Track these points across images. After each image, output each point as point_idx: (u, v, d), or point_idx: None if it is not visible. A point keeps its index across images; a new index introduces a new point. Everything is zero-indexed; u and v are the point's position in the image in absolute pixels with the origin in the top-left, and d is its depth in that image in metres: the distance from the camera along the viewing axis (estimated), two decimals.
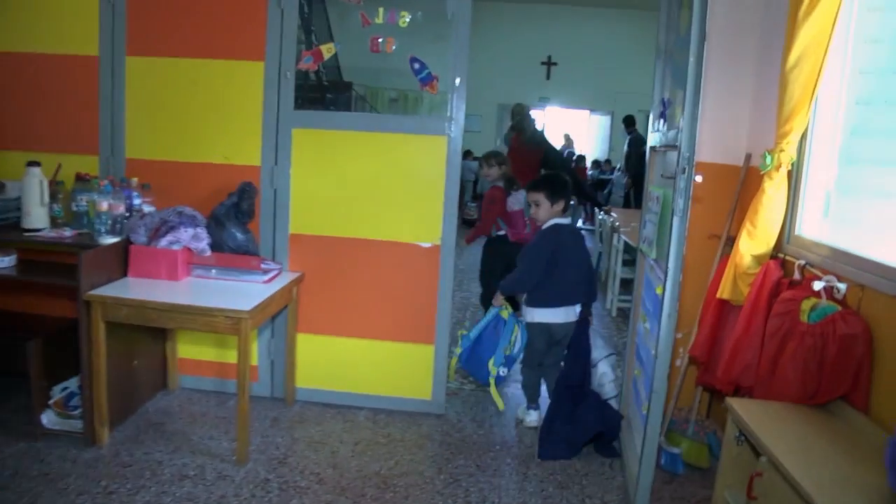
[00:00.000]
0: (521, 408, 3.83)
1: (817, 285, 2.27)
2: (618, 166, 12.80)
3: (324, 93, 12.80)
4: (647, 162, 3.40)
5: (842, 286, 2.24)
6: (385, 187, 3.57)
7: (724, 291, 2.94)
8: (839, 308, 2.25)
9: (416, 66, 3.42)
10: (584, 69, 14.47)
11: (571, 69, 14.54)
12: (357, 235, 3.63)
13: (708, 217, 3.32)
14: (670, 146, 2.77)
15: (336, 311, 3.72)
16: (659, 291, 2.81)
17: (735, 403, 2.30)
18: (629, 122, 11.62)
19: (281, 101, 3.56)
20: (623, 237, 6.24)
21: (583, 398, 3.41)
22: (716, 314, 3.02)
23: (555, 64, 14.62)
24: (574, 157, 13.08)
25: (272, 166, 3.61)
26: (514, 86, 14.48)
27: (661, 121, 3.21)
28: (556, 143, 16.96)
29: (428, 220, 3.54)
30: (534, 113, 15.18)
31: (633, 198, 11.44)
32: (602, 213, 8.21)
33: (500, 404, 3.75)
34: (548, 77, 14.71)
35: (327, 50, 3.50)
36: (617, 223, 6.88)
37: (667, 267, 2.47)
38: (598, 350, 3.67)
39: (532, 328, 3.59)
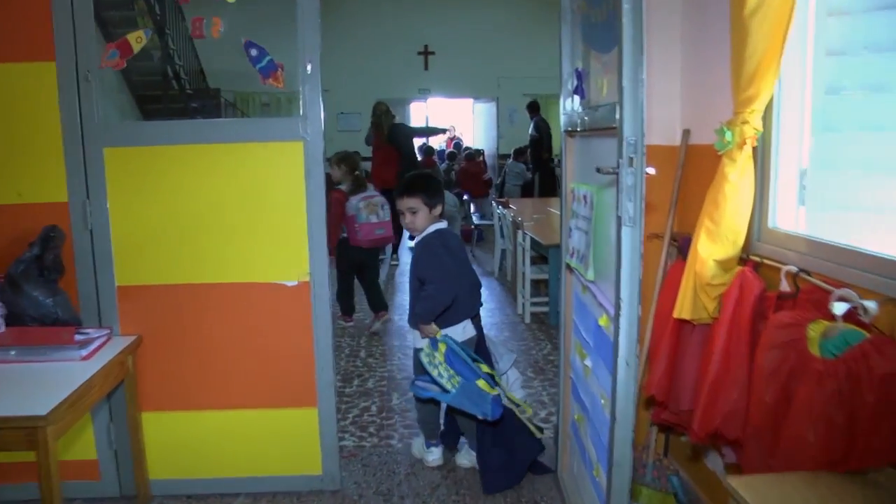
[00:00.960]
0: (418, 443, 3.32)
1: (838, 308, 1.61)
2: (511, 154, 12.26)
3: (187, 102, 11.66)
4: (563, 148, 2.70)
5: (870, 304, 1.58)
6: (231, 214, 2.74)
7: (682, 309, 2.26)
8: (867, 334, 1.60)
9: (254, 52, 2.61)
10: (464, 57, 13.85)
11: (450, 57, 13.89)
12: (203, 280, 2.79)
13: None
14: (599, 129, 2.08)
15: (187, 379, 2.88)
16: (604, 324, 2.11)
17: (739, 486, 1.61)
18: (533, 108, 11.07)
19: (84, 113, 2.67)
20: (528, 233, 5.59)
21: (504, 416, 2.90)
22: (673, 339, 2.35)
23: (432, 53, 13.94)
24: (465, 151, 12.48)
25: (83, 200, 2.72)
26: (394, 79, 13.75)
27: (576, 97, 2.52)
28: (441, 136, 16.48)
29: (290, 250, 2.74)
30: (415, 106, 14.73)
31: (538, 186, 10.94)
32: (499, 206, 7.56)
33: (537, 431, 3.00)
34: (426, 67, 14.01)
35: (136, 39, 2.63)
36: (519, 218, 6.23)
37: (618, 298, 1.77)
38: (504, 357, 3.24)
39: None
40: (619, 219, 1.80)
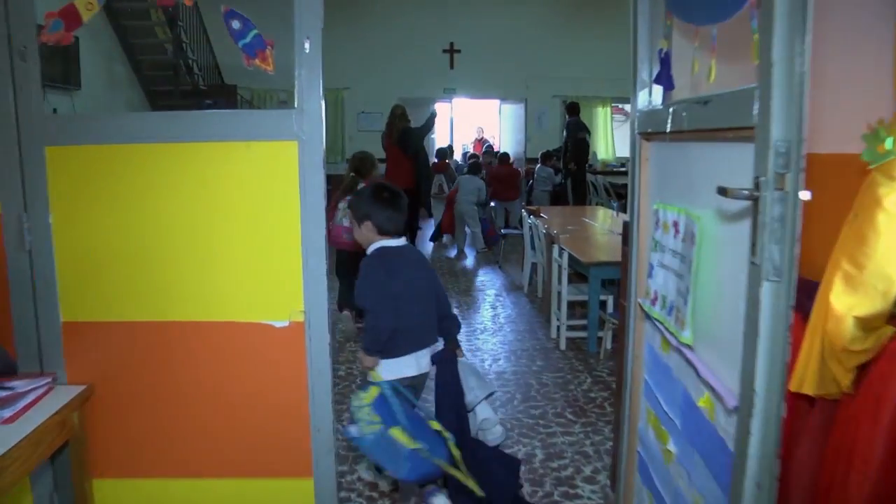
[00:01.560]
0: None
1: None
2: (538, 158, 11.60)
3: (201, 98, 11.14)
4: (635, 154, 2.07)
5: None
6: (206, 234, 2.14)
7: (802, 381, 1.61)
8: None
9: (236, 24, 2.01)
10: (491, 55, 13.23)
11: (477, 56, 13.27)
12: (169, 317, 2.19)
13: None
14: (708, 129, 1.45)
15: (149, 439, 2.28)
16: (705, 406, 1.48)
17: None
18: (573, 109, 10.41)
19: (20, 102, 2.08)
20: (566, 249, 4.95)
21: (471, 454, 2.63)
22: (788, 417, 1.69)
23: (458, 51, 13.31)
24: (496, 154, 11.85)
25: (18, 213, 2.14)
26: (417, 78, 13.18)
27: (656, 89, 1.90)
28: (468, 138, 15.90)
29: (280, 280, 2.13)
30: (439, 106, 14.12)
31: (572, 192, 10.27)
32: (529, 215, 6.93)
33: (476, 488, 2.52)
34: (451, 66, 13.40)
35: (86, 6, 2.02)
36: (553, 230, 5.58)
37: (748, 389, 1.15)
38: (473, 392, 2.96)
39: None
40: (753, 267, 1.17)
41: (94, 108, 8.93)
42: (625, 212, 7.75)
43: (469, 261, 8.79)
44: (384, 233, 2.70)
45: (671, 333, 1.64)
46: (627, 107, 12.44)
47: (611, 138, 13.85)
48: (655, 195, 1.92)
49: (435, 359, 2.77)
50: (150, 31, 10.34)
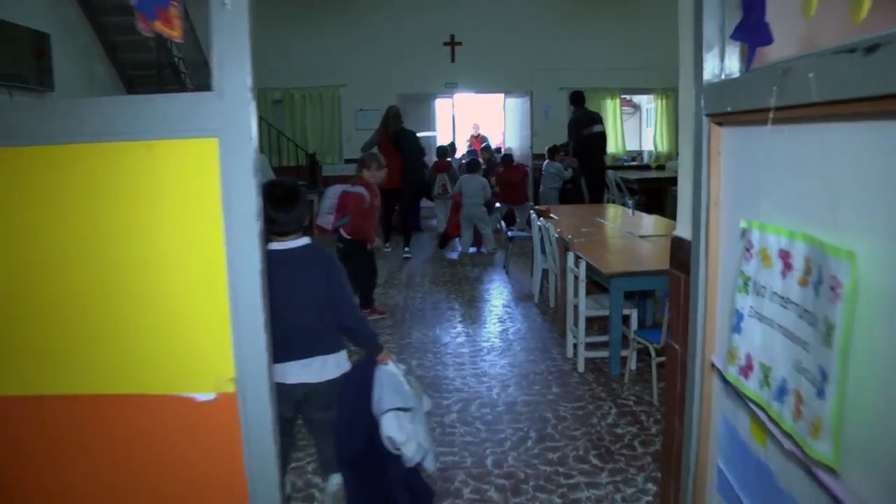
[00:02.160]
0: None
1: None
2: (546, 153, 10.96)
3: (182, 83, 10.50)
4: (702, 147, 1.45)
5: None
6: (101, 270, 1.52)
7: None
8: None
9: None
10: (494, 47, 12.57)
11: (479, 49, 12.60)
12: (46, 390, 1.58)
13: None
14: (849, 101, 0.83)
15: None
16: None
17: None
18: (577, 98, 9.68)
19: None
20: (583, 258, 4.33)
21: (378, 473, 2.59)
22: None
23: (459, 44, 12.66)
24: (497, 153, 11.29)
25: None
26: (417, 73, 12.53)
27: (730, 52, 1.28)
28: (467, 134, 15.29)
29: (199, 339, 1.51)
30: (440, 102, 13.50)
31: (588, 189, 9.59)
32: (539, 216, 6.31)
33: None
34: (452, 59, 12.74)
35: None
36: (567, 235, 4.96)
37: None
38: (380, 401, 2.58)
39: None
40: None
41: None
42: (643, 209, 7.12)
43: (474, 268, 8.17)
44: (272, 233, 2.56)
45: (787, 435, 1.02)
46: (636, 98, 11.70)
47: (620, 131, 13.20)
48: (740, 206, 1.29)
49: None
50: (132, 27, 9.74)
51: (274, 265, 2.40)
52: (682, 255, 1.75)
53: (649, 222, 6.29)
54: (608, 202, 10.44)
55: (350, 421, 2.60)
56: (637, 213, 6.87)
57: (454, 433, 3.60)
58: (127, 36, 9.63)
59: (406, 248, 8.83)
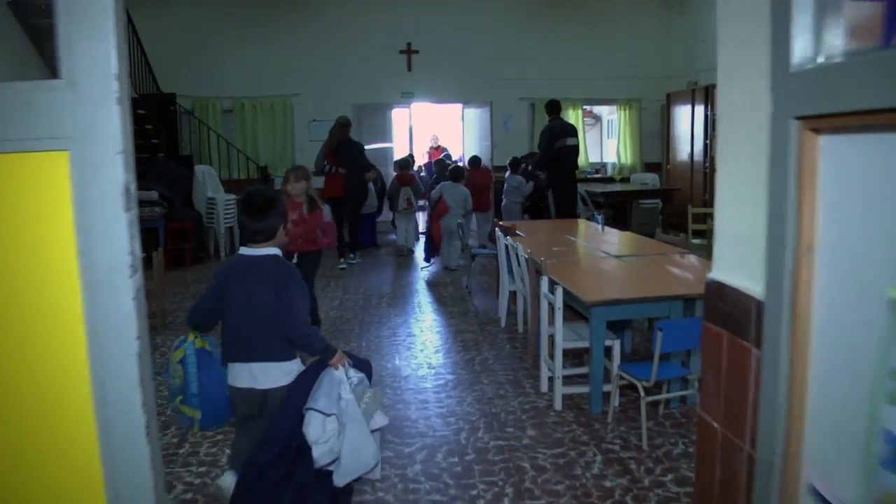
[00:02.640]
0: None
1: None
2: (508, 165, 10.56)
3: (138, 119, 9.87)
4: (789, 167, 1.00)
5: None
6: None
7: None
8: None
9: None
10: (452, 56, 12.15)
11: (437, 57, 12.17)
12: None
13: None
14: None
15: None
16: None
17: None
18: (553, 108, 9.20)
19: None
20: (559, 284, 3.89)
21: (288, 468, 2.67)
22: None
23: (416, 52, 12.21)
24: (451, 163, 10.83)
25: None
26: (373, 82, 12.04)
27: (826, 25, 0.84)
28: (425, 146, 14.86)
29: (54, 442, 1.01)
30: (397, 112, 13.03)
31: (555, 204, 9.19)
32: (505, 234, 5.88)
33: None
34: (409, 68, 12.29)
35: None
36: (539, 257, 4.52)
37: None
38: (312, 400, 2.73)
39: None
40: None
41: None
42: (613, 223, 6.70)
43: (434, 288, 7.70)
44: (244, 239, 2.84)
45: None
46: (597, 109, 11.28)
47: (583, 142, 12.88)
48: (862, 258, 0.85)
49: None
50: None
51: (237, 268, 2.79)
52: (722, 306, 1.32)
53: (621, 240, 5.91)
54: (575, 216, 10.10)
55: (291, 414, 2.71)
56: (607, 228, 6.50)
57: (419, 489, 3.12)
58: None
59: (351, 255, 8.80)
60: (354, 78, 11.87)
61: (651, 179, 12.14)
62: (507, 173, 9.94)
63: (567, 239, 6.03)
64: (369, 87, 11.98)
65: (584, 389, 3.99)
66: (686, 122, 11.25)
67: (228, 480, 2.89)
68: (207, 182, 9.72)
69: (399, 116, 13.04)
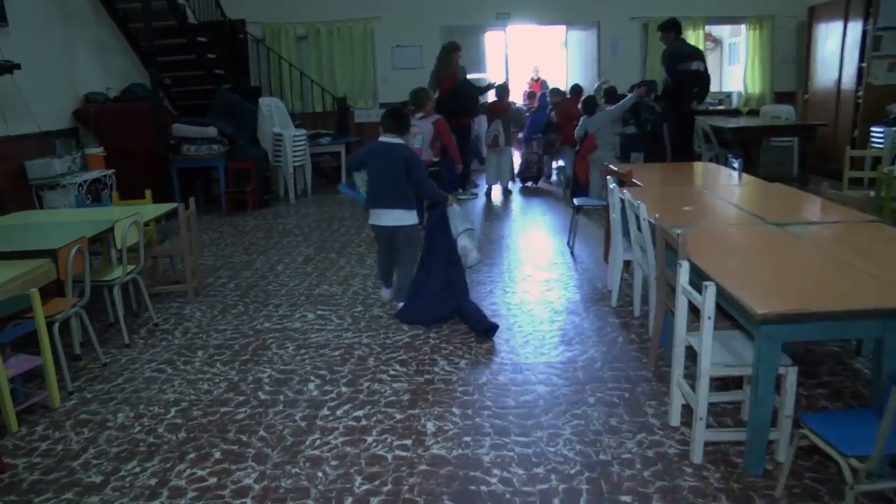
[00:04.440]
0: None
1: None
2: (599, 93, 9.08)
3: (192, 37, 8.83)
4: None
5: None
6: None
7: None
8: None
9: None
10: None
11: None
12: None
13: None
14: None
15: None
16: None
17: None
18: (671, 26, 7.60)
19: None
20: (713, 280, 2.58)
21: (450, 283, 4.34)
22: None
23: None
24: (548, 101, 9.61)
25: None
26: (463, 1, 10.64)
27: None
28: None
29: None
30: (490, 35, 11.57)
31: (670, 140, 7.73)
32: (620, 184, 4.55)
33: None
34: None
35: None
36: (672, 228, 3.18)
37: None
38: (455, 228, 4.44)
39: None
40: None
41: (34, 51, 6.80)
42: (747, 170, 5.08)
43: (530, 244, 6.44)
44: (383, 131, 4.42)
45: None
46: (716, 31, 9.30)
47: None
48: None
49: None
50: None
51: (379, 148, 4.38)
52: None
53: (771, 195, 4.46)
54: (696, 156, 8.55)
55: (441, 241, 4.38)
56: (745, 177, 5.04)
57: None
58: None
59: (461, 190, 8.75)
60: None
61: (786, 112, 10.28)
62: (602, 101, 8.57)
63: (698, 192, 4.64)
64: (459, 6, 10.60)
65: (736, 437, 2.70)
66: (834, 41, 9.31)
67: (385, 293, 4.76)
68: (275, 116, 8.69)
69: (493, 41, 11.54)
